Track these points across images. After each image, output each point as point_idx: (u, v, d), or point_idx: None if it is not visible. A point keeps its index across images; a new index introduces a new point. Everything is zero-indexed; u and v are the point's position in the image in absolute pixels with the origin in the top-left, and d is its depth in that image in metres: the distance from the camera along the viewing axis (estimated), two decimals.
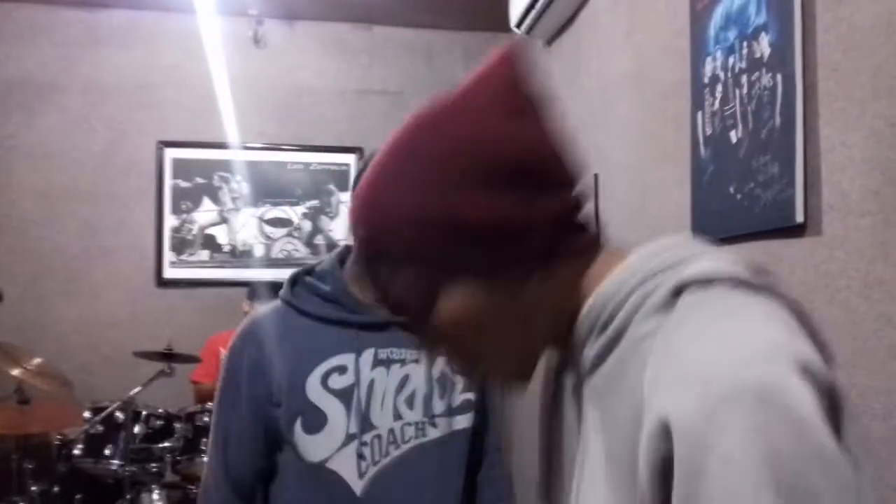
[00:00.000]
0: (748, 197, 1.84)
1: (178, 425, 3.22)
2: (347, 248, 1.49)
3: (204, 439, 3.20)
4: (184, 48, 4.55)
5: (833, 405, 0.54)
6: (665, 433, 0.54)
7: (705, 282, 0.62)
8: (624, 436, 0.61)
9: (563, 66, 3.66)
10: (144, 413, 3.19)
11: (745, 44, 1.88)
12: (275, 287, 4.13)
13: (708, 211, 2.07)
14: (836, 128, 1.56)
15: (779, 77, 1.71)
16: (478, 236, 0.68)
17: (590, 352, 0.69)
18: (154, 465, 3.07)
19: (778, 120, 1.71)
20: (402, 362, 1.47)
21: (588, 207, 0.75)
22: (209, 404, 3.39)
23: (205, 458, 3.17)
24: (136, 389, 3.17)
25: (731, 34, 1.95)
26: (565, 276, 0.71)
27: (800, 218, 1.64)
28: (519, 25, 3.66)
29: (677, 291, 0.63)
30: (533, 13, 3.46)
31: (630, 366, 0.63)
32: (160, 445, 3.08)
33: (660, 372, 0.58)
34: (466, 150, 0.69)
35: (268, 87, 4.62)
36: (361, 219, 0.74)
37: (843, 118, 1.54)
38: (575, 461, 0.75)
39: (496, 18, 4.47)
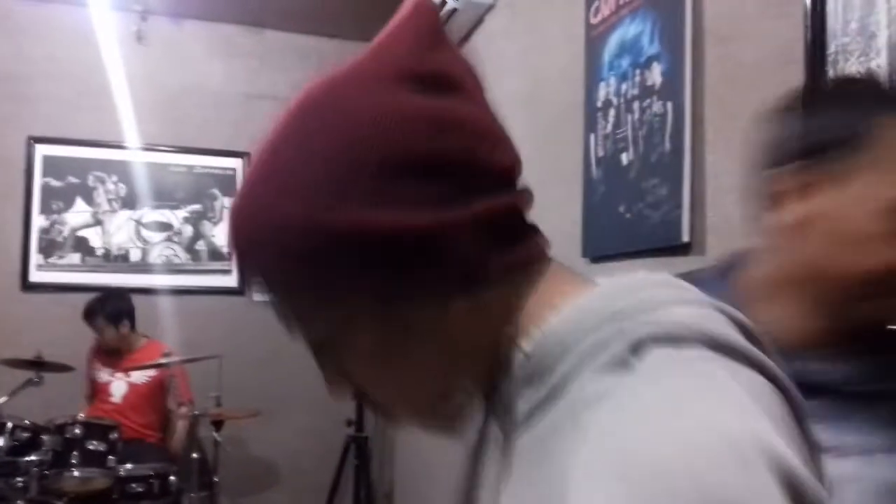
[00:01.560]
0: (638, 216, 1.95)
1: (46, 437, 3.04)
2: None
3: (74, 452, 3.04)
4: (60, 40, 4.31)
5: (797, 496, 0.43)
6: None
7: (672, 340, 0.50)
8: None
9: None
10: (10, 424, 2.99)
11: (637, 71, 1.99)
12: (87, 316, 3.90)
13: (599, 228, 2.18)
14: (720, 155, 1.69)
15: (669, 105, 1.83)
16: (379, 251, 0.52)
17: (523, 405, 0.55)
18: (19, 479, 2.88)
19: (668, 145, 1.83)
20: None
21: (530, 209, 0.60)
22: (80, 416, 3.22)
23: (75, 473, 3.03)
24: (2, 399, 2.97)
25: (625, 62, 2.06)
26: (498, 302, 0.56)
27: (686, 237, 1.76)
28: None
29: (637, 346, 0.49)
30: None
31: (565, 435, 0.50)
32: (26, 459, 2.89)
33: (597, 461, 0.46)
34: (365, 133, 0.53)
35: (150, 86, 4.45)
36: (235, 228, 0.59)
37: (727, 146, 1.66)
38: None
39: None
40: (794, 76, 1.46)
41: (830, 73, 1.38)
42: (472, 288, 0.55)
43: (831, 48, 1.38)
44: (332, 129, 0.55)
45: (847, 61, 1.35)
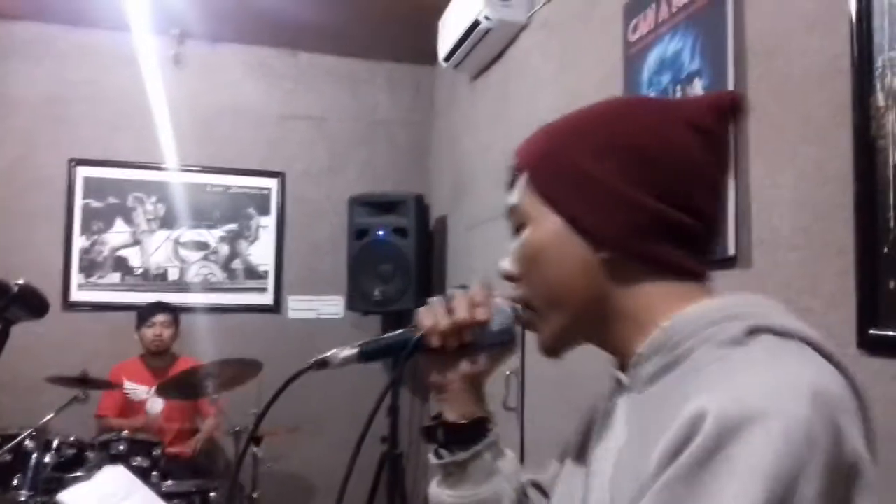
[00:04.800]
0: None
1: (90, 454, 3.09)
2: None
3: (120, 467, 3.08)
4: (100, 63, 4.42)
5: (849, 476, 0.58)
6: (698, 420, 0.57)
7: (783, 333, 0.66)
8: (657, 440, 0.62)
9: (489, 101, 3.78)
10: (56, 441, 3.04)
11: (678, 88, 2.01)
12: (160, 308, 4.05)
13: None
14: (766, 169, 1.70)
15: None
16: (627, 213, 0.74)
17: (650, 367, 0.73)
18: None
19: None
20: None
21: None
22: (125, 432, 3.27)
23: None
24: (49, 416, 3.02)
25: (665, 78, 2.08)
26: (658, 291, 0.75)
27: (732, 251, 1.77)
28: (447, 59, 3.76)
29: (752, 332, 0.66)
30: (462, 48, 3.56)
31: (685, 386, 0.65)
32: (72, 475, 2.94)
33: (710, 384, 0.62)
34: (635, 133, 0.75)
35: (188, 108, 4.54)
36: (531, 141, 0.83)
37: (773, 160, 1.67)
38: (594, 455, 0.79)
39: (421, 51, 4.58)
40: (840, 91, 1.47)
41: (878, 86, 1.39)
42: (662, 268, 0.75)
43: (878, 62, 1.39)
44: (638, 122, 0.77)
45: (895, 75, 1.36)
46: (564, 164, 0.77)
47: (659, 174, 0.74)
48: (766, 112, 1.70)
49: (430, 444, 0.94)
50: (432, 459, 0.93)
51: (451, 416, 0.92)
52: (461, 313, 0.86)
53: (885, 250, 1.36)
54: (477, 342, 0.88)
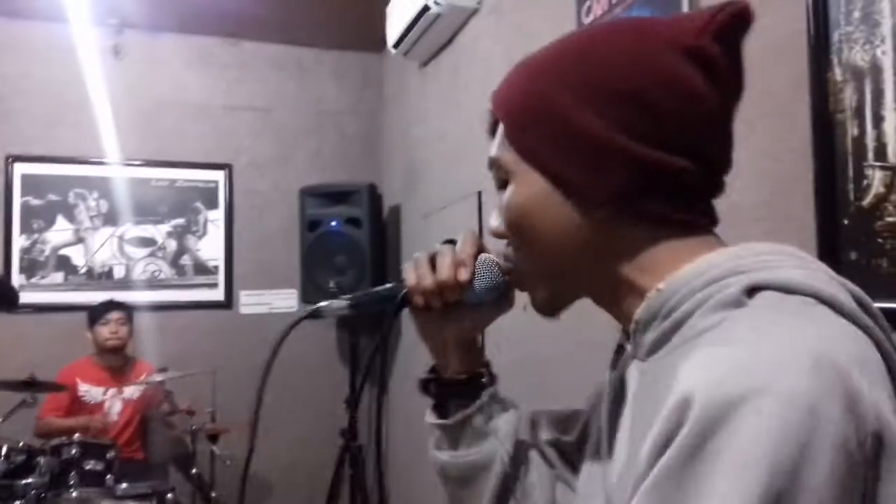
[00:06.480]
0: None
1: (42, 460, 2.99)
2: None
3: (72, 473, 2.99)
4: (36, 56, 4.26)
5: (873, 449, 0.50)
6: (684, 406, 0.51)
7: (784, 290, 0.58)
8: (650, 424, 0.56)
9: (440, 87, 3.75)
10: (4, 448, 2.93)
11: None
12: (114, 305, 3.97)
13: None
14: None
15: None
16: (616, 159, 0.66)
17: (652, 334, 0.66)
18: (17, 503, 2.82)
19: None
20: None
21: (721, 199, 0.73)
22: (77, 436, 3.17)
23: (73, 494, 2.98)
24: None
25: None
26: (655, 251, 0.68)
27: None
28: (396, 46, 3.72)
29: (751, 291, 0.59)
30: (411, 35, 3.53)
31: (683, 355, 0.58)
32: (23, 482, 2.84)
33: (700, 358, 0.55)
34: (619, 69, 0.66)
35: (129, 100, 4.41)
36: (505, 86, 0.75)
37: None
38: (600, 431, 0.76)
39: (367, 38, 4.53)
40: (797, 66, 1.49)
41: (835, 61, 1.41)
42: (656, 223, 0.68)
43: (835, 37, 1.41)
44: (622, 56, 0.67)
45: (851, 50, 1.38)
46: (542, 115, 0.69)
47: (651, 116, 0.65)
48: None
49: (425, 396, 0.91)
50: (428, 417, 0.91)
51: (443, 371, 0.90)
52: (443, 273, 0.81)
53: (846, 222, 1.38)
54: (463, 300, 0.84)
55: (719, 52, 0.66)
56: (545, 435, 0.91)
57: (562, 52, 0.72)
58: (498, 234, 0.78)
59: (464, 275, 0.81)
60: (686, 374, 0.54)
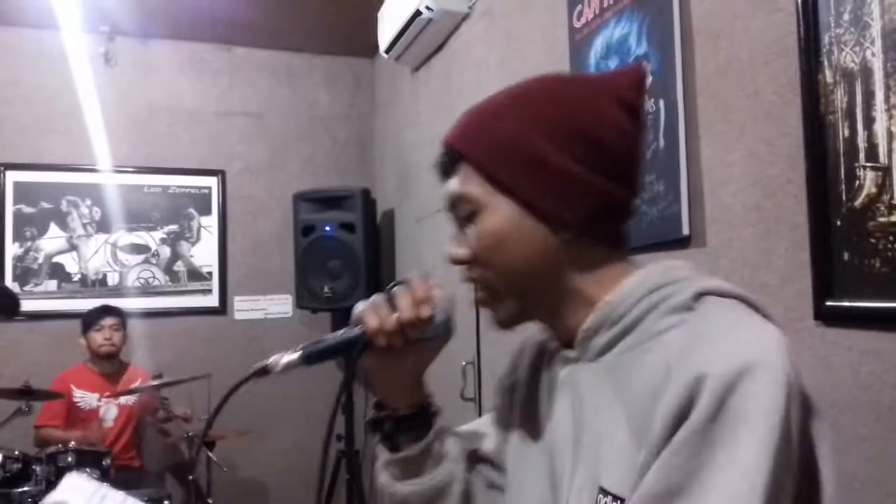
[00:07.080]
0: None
1: (37, 468, 2.97)
2: None
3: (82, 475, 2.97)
4: (27, 63, 4.25)
5: (807, 407, 0.70)
6: (697, 383, 0.64)
7: (724, 294, 0.75)
8: (643, 404, 0.70)
9: (431, 91, 3.76)
10: (0, 456, 2.92)
11: None
12: (108, 311, 3.94)
13: None
14: (716, 149, 1.73)
15: (661, 103, 1.87)
16: (582, 188, 0.78)
17: (599, 340, 0.79)
18: None
19: (662, 142, 1.87)
20: None
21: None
22: (72, 444, 3.16)
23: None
24: None
25: (612, 63, 2.10)
26: (608, 267, 0.81)
27: (686, 231, 1.79)
28: (388, 51, 3.73)
29: (696, 297, 0.74)
30: (403, 40, 3.54)
31: (652, 350, 0.73)
32: (19, 490, 2.83)
33: (692, 349, 0.68)
34: (576, 114, 0.79)
35: (121, 107, 4.40)
36: (469, 128, 0.84)
37: (723, 140, 1.70)
38: (557, 440, 0.83)
39: (359, 44, 4.54)
40: (788, 69, 1.51)
41: (825, 63, 1.42)
42: (603, 241, 0.81)
43: (825, 39, 1.43)
44: (579, 103, 0.80)
45: (842, 52, 1.40)
46: (513, 151, 0.79)
47: (605, 154, 0.78)
48: (714, 93, 1.73)
49: (375, 434, 0.95)
50: (383, 454, 0.94)
51: (397, 407, 0.93)
52: (406, 313, 0.85)
53: (838, 223, 1.40)
54: (422, 336, 0.87)
55: (639, 102, 0.82)
56: (468, 447, 0.99)
57: (522, 98, 0.83)
58: (461, 261, 0.85)
59: (426, 311, 0.85)
60: (686, 359, 0.67)
